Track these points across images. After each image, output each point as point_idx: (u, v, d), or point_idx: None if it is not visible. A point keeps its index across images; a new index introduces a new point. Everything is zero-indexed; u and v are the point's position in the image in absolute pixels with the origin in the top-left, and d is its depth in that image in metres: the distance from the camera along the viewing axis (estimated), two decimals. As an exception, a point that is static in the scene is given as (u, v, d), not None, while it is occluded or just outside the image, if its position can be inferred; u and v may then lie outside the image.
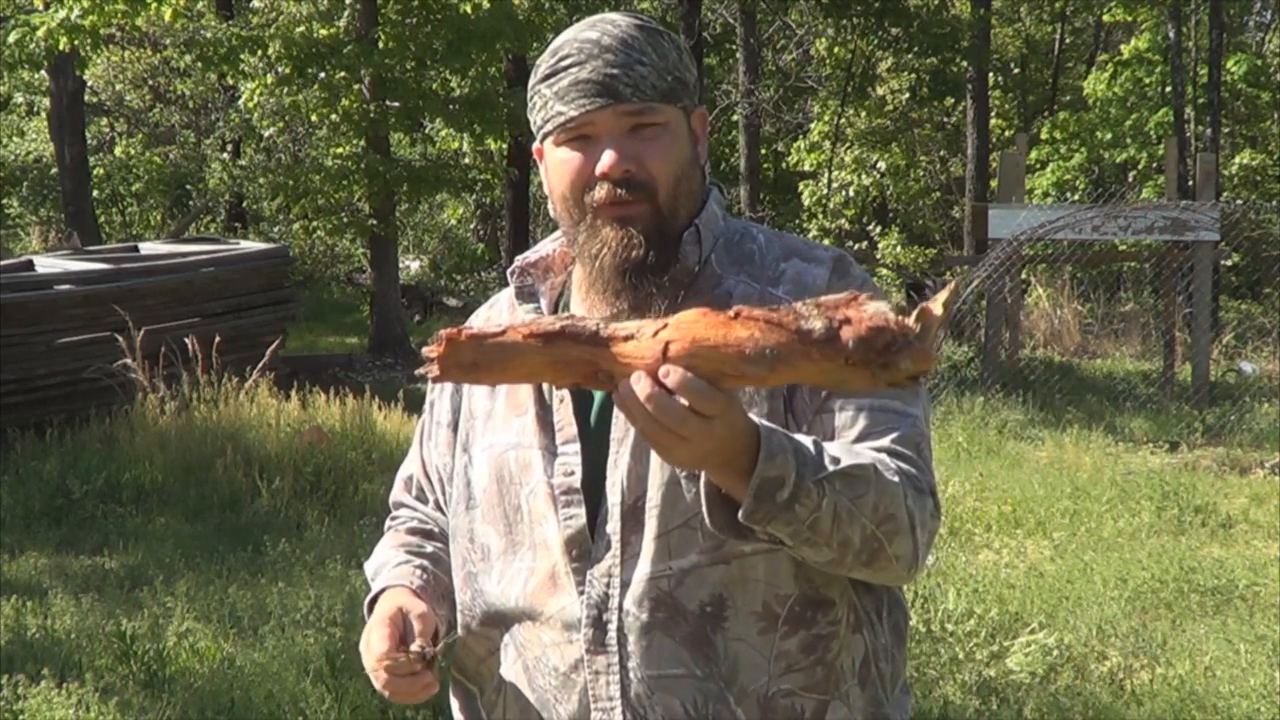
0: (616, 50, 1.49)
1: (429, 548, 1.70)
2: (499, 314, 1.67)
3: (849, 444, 1.44)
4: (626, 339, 1.23)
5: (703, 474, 1.34)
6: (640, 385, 1.21)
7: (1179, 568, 5.54)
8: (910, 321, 1.14)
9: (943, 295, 1.16)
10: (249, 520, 6.50)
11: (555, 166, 1.53)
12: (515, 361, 1.24)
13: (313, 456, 7.01)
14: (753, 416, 1.32)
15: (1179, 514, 6.69)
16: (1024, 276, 13.75)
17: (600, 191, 1.48)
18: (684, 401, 1.20)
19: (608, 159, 1.47)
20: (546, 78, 1.52)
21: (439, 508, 1.72)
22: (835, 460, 1.36)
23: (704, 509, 1.36)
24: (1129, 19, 21.30)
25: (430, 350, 1.26)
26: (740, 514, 1.32)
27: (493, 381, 1.32)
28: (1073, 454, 8.46)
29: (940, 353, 1.32)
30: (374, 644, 1.51)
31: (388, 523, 1.80)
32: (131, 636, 4.39)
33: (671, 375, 1.19)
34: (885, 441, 1.45)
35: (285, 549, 5.78)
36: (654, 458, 1.45)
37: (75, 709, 3.80)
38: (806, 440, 1.37)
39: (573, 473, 1.50)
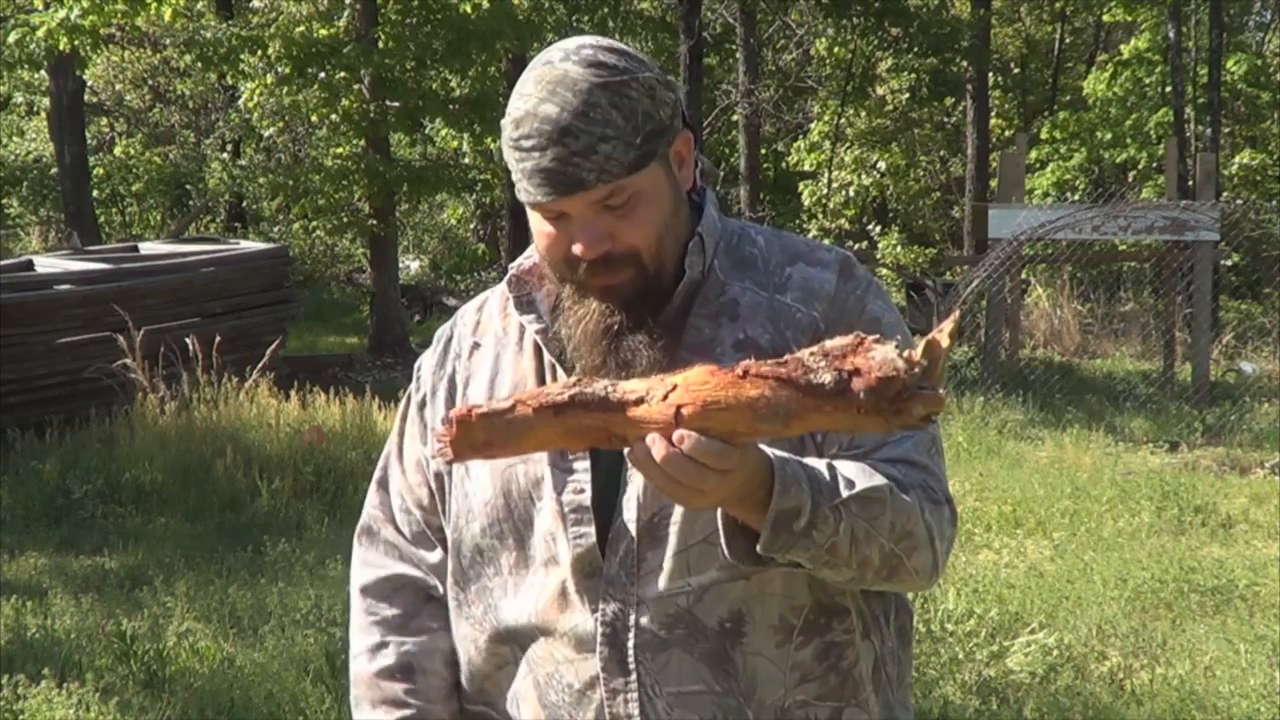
0: (577, 132, 1.39)
1: (409, 685, 1.61)
2: (488, 318, 1.63)
3: (864, 457, 1.44)
4: (638, 402, 1.24)
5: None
6: (656, 449, 1.22)
7: (1179, 568, 5.54)
8: (918, 356, 1.15)
9: (948, 325, 1.17)
10: (249, 520, 6.50)
11: (535, 229, 1.50)
12: (529, 435, 1.26)
13: (313, 456, 7.01)
14: (765, 448, 1.32)
15: (1179, 514, 6.69)
16: (1024, 276, 13.74)
17: (581, 273, 1.45)
18: (700, 462, 1.21)
19: (579, 248, 1.44)
20: (511, 146, 1.44)
21: (426, 523, 1.64)
22: (850, 484, 1.36)
23: (722, 540, 1.37)
24: (1129, 19, 21.29)
25: (441, 433, 1.26)
26: (759, 546, 1.33)
27: (507, 455, 1.33)
28: (1073, 454, 8.45)
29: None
30: None
31: (356, 602, 1.68)
32: (131, 636, 4.39)
33: (686, 441, 1.21)
34: (900, 451, 1.46)
35: (285, 549, 5.78)
36: None
37: (75, 709, 3.80)
38: (820, 465, 1.38)
39: (583, 490, 1.48)
